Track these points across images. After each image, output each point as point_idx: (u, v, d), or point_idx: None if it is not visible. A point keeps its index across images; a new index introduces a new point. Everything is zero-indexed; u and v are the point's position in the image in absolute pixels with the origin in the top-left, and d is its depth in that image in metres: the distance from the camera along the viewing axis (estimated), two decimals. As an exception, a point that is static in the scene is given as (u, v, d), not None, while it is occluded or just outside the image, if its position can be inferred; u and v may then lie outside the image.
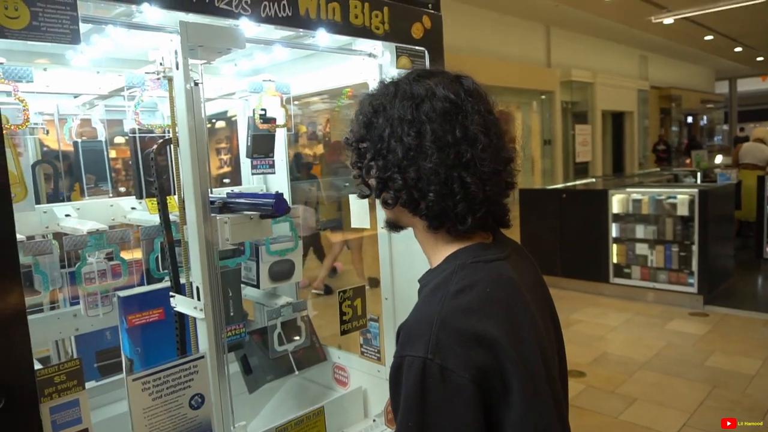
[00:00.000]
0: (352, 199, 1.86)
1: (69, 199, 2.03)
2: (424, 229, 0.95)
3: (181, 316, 1.51)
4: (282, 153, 2.13)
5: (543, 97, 12.63)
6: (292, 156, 7.98)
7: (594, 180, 9.61)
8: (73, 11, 1.10)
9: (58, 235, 1.66)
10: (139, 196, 1.80)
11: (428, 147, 0.87)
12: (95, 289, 1.59)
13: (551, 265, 6.18)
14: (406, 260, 1.90)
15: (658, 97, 17.27)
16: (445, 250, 0.94)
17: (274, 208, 1.46)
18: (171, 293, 1.50)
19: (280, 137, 2.09)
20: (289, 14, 1.43)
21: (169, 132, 1.58)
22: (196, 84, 1.36)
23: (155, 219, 1.67)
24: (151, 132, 1.73)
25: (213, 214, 1.42)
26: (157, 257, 1.70)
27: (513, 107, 12.39)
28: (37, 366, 1.16)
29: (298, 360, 1.97)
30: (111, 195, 1.96)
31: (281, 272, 1.95)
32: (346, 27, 1.57)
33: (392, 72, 1.76)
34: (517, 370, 0.80)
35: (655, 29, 12.51)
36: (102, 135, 1.90)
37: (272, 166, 2.02)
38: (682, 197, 5.49)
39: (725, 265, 6.00)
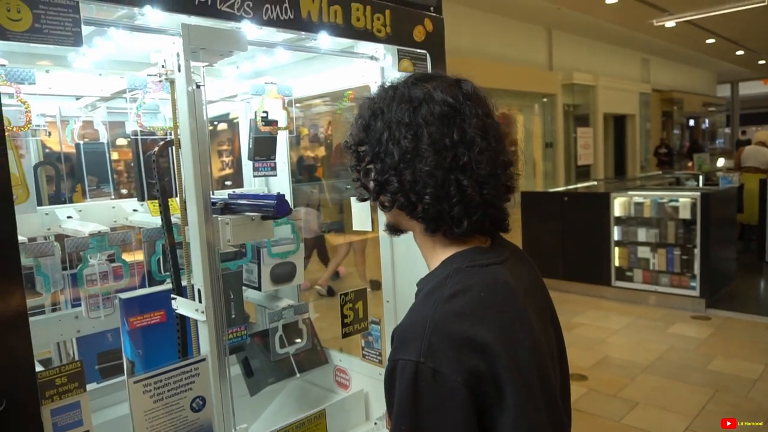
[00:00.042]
0: (354, 202, 1.86)
1: (71, 201, 2.03)
2: (421, 232, 0.95)
3: (183, 319, 1.51)
4: (284, 155, 2.13)
5: (545, 99, 12.62)
6: (296, 159, 8.01)
7: (596, 183, 9.61)
8: (75, 14, 1.11)
9: (60, 237, 1.66)
10: (141, 198, 1.80)
11: (425, 150, 0.87)
12: (97, 290, 1.59)
13: (553, 268, 6.17)
14: (408, 263, 1.90)
15: (659, 100, 17.26)
16: (442, 254, 0.95)
17: (276, 209, 1.46)
18: (172, 295, 1.50)
19: (282, 140, 2.09)
20: (291, 17, 1.44)
21: (170, 134, 1.59)
22: (198, 86, 1.37)
23: (157, 221, 1.67)
24: (153, 134, 1.73)
25: (214, 215, 1.42)
26: (159, 259, 1.70)
27: (515, 110, 12.39)
28: (39, 368, 1.16)
29: (300, 362, 1.97)
30: (113, 197, 1.96)
31: (283, 275, 1.95)
32: (347, 30, 1.57)
33: (394, 75, 1.76)
34: (510, 375, 0.80)
35: (656, 32, 12.51)
36: (104, 137, 1.90)
37: (274, 168, 2.02)
38: (684, 200, 5.48)
39: (727, 268, 5.99)
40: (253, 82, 1.91)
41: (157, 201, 1.62)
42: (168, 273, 1.66)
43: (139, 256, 1.71)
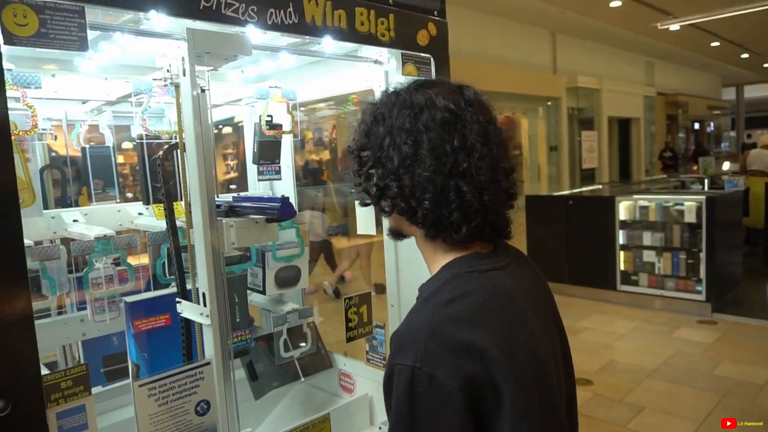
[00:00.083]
0: (357, 206, 1.86)
1: (77, 204, 2.04)
2: (422, 237, 0.95)
3: (188, 322, 1.51)
4: (288, 159, 2.13)
5: (549, 103, 12.62)
6: (303, 162, 8.05)
7: (600, 186, 9.58)
8: (81, 18, 1.11)
9: (66, 241, 1.67)
10: (146, 202, 1.81)
11: (425, 155, 0.88)
12: (102, 294, 1.59)
13: (558, 272, 6.15)
14: (412, 267, 1.90)
15: (664, 104, 17.23)
16: (442, 259, 0.95)
17: (280, 211, 1.46)
18: (177, 299, 1.50)
19: (287, 143, 2.09)
20: (296, 21, 1.44)
21: (175, 138, 1.59)
22: (203, 90, 1.37)
23: (162, 225, 1.68)
24: (158, 138, 1.74)
25: (219, 218, 1.42)
26: (164, 263, 1.71)
27: (519, 113, 12.39)
28: (44, 371, 1.17)
29: (304, 366, 1.97)
30: (118, 200, 1.97)
31: (287, 278, 1.95)
32: (351, 34, 1.57)
33: (398, 79, 1.76)
34: (509, 380, 0.80)
35: (661, 36, 12.50)
36: (109, 141, 1.91)
37: (278, 172, 2.02)
38: (689, 204, 5.46)
39: (733, 272, 5.96)
40: (258, 86, 1.92)
41: (162, 204, 1.63)
42: (173, 276, 1.66)
43: (144, 259, 1.71)
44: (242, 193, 2.20)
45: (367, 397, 1.98)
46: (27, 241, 1.45)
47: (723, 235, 5.53)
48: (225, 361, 1.40)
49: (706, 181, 8.01)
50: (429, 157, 0.88)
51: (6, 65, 1.38)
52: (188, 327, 1.51)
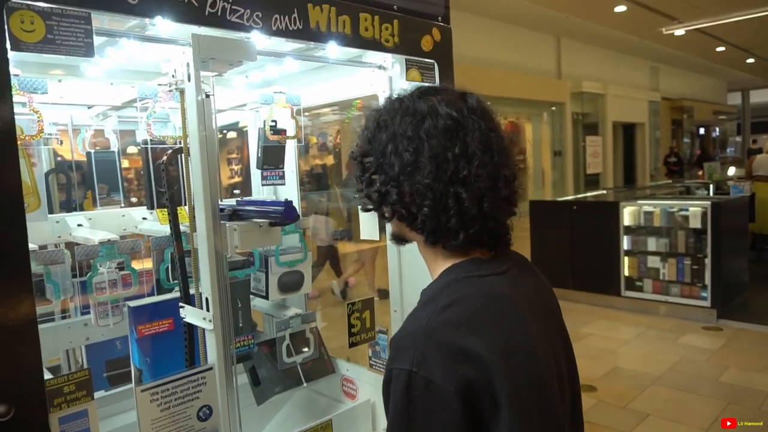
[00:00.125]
0: (361, 211, 1.86)
1: (81, 207, 2.05)
2: (422, 242, 0.96)
3: (191, 327, 1.51)
4: (292, 164, 2.14)
5: (553, 108, 12.61)
6: (309, 167, 8.09)
7: (605, 192, 9.55)
8: (87, 24, 1.12)
9: (70, 245, 1.67)
10: (151, 207, 1.81)
11: (425, 163, 0.89)
12: (106, 298, 1.59)
13: (562, 277, 6.13)
14: (415, 272, 1.89)
15: (669, 109, 17.19)
16: (443, 264, 0.96)
17: (284, 215, 1.46)
18: (181, 304, 1.51)
19: (291, 148, 2.10)
20: (300, 27, 1.45)
21: (180, 143, 1.60)
22: (208, 96, 1.38)
23: (166, 229, 1.68)
24: (163, 143, 1.75)
25: (222, 222, 1.42)
26: (168, 268, 1.71)
27: (523, 118, 12.38)
28: (47, 375, 1.17)
29: (307, 372, 1.96)
30: (123, 205, 1.98)
31: (290, 283, 1.95)
32: (356, 39, 1.58)
33: (402, 84, 1.77)
34: (506, 385, 0.80)
35: (666, 41, 12.49)
36: (115, 145, 1.92)
37: (282, 177, 2.02)
38: (694, 209, 5.44)
39: (739, 278, 5.92)
40: (262, 91, 1.92)
41: (166, 209, 1.63)
42: (176, 281, 1.67)
43: (148, 264, 1.72)
44: (246, 198, 2.21)
45: (370, 403, 1.98)
46: (32, 246, 1.46)
47: (728, 241, 5.50)
48: (227, 366, 1.40)
49: (711, 186, 7.98)
50: (429, 165, 0.88)
51: (13, 70, 1.39)
52: (191, 332, 1.52)
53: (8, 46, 1.02)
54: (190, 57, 1.33)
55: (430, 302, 0.88)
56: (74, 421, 1.18)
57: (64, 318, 1.79)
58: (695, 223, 5.41)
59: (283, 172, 2.02)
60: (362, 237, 1.95)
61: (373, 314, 1.88)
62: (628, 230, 5.87)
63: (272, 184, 2.03)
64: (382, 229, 1.94)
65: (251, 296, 1.96)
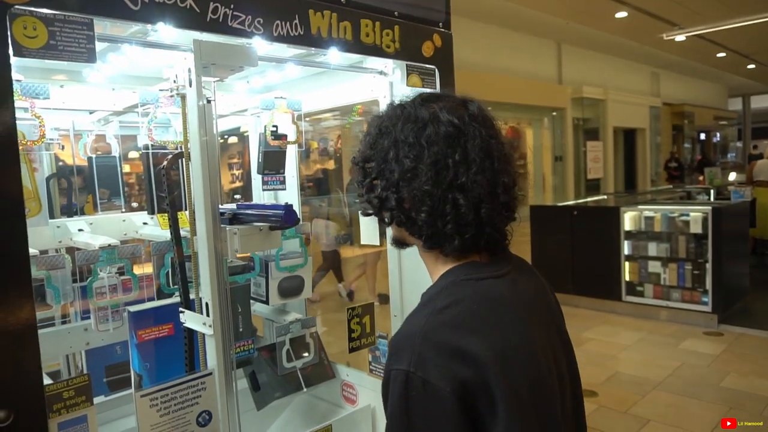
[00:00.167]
0: (361, 216, 1.86)
1: (82, 212, 2.05)
2: (422, 247, 0.97)
3: (191, 332, 1.51)
4: (293, 169, 2.14)
5: (554, 113, 12.63)
6: (311, 172, 8.10)
7: (605, 197, 9.56)
8: (89, 30, 1.13)
9: (71, 250, 1.68)
10: (151, 212, 1.82)
11: (425, 169, 0.90)
12: (106, 303, 1.59)
13: (562, 282, 6.12)
14: (415, 277, 1.89)
15: (670, 114, 17.21)
16: (442, 268, 0.97)
17: (284, 219, 1.46)
18: (181, 309, 1.51)
19: (291, 153, 2.10)
20: (301, 33, 1.45)
21: (181, 147, 1.60)
22: (209, 101, 1.38)
23: (166, 234, 1.68)
24: (164, 148, 1.75)
25: (223, 225, 1.43)
26: (168, 273, 1.71)
27: (524, 124, 12.40)
28: (47, 381, 1.17)
29: (307, 377, 1.96)
30: (123, 210, 1.98)
31: (291, 288, 1.95)
32: (357, 45, 1.58)
33: (403, 89, 1.77)
34: (502, 386, 0.81)
35: (666, 46, 12.51)
36: (116, 150, 1.92)
37: (283, 182, 2.03)
38: (695, 215, 5.44)
39: (740, 283, 5.91)
40: (264, 96, 1.93)
41: (166, 214, 1.64)
42: (176, 286, 1.67)
43: (148, 269, 1.72)
44: (246, 202, 2.21)
45: (370, 408, 1.97)
46: (32, 251, 1.46)
47: (729, 246, 5.49)
48: (227, 372, 1.40)
49: (712, 191, 7.98)
50: (429, 171, 0.89)
51: (16, 76, 1.40)
52: (191, 337, 1.52)
53: (11, 51, 1.03)
54: (191, 62, 1.34)
55: (428, 304, 0.89)
56: (74, 427, 1.18)
57: (64, 323, 1.79)
58: (696, 228, 5.41)
59: (284, 177, 2.03)
60: (363, 242, 1.96)
61: (373, 319, 1.88)
62: (629, 235, 5.86)
63: (273, 189, 2.03)
64: (382, 234, 1.94)
65: (251, 301, 1.96)
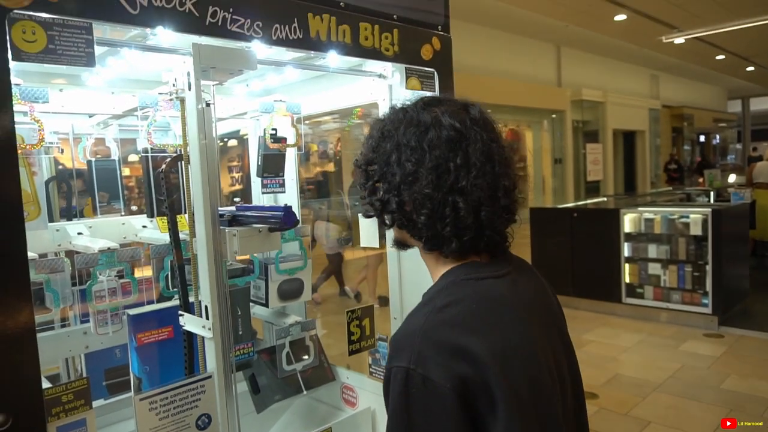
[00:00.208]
0: (361, 219, 1.86)
1: (82, 214, 2.05)
2: (422, 248, 0.99)
3: (190, 335, 1.51)
4: (292, 172, 2.14)
5: (554, 116, 12.64)
6: (312, 174, 8.11)
7: (605, 199, 9.56)
8: (88, 35, 1.13)
9: (70, 253, 1.67)
10: (150, 215, 1.82)
11: (426, 173, 0.91)
12: (105, 307, 1.59)
13: (562, 284, 6.12)
14: (415, 279, 1.89)
15: (669, 116, 17.23)
16: (442, 268, 0.98)
17: (283, 220, 1.46)
18: (180, 312, 1.50)
19: (291, 156, 2.10)
20: (300, 36, 1.45)
21: (180, 151, 1.60)
22: (208, 104, 1.38)
23: (166, 238, 1.69)
24: (164, 151, 1.75)
25: (222, 227, 1.43)
26: (167, 276, 1.71)
27: (524, 126, 12.41)
28: (46, 384, 1.17)
29: (307, 380, 1.96)
30: (123, 213, 1.98)
31: (290, 291, 1.95)
32: (356, 49, 1.59)
33: (402, 92, 1.77)
34: (501, 386, 0.81)
35: (666, 49, 12.53)
36: (115, 154, 1.93)
37: (282, 185, 2.03)
38: (695, 217, 5.44)
39: (740, 285, 5.91)
40: (263, 99, 1.93)
41: (165, 217, 1.64)
42: (176, 289, 1.67)
43: (147, 272, 1.72)
44: (245, 204, 2.21)
45: (370, 411, 1.97)
46: (31, 254, 1.46)
47: (729, 248, 5.49)
48: (227, 375, 1.40)
49: (711, 193, 7.98)
50: (430, 175, 0.90)
51: (15, 80, 1.40)
52: (190, 340, 1.51)
53: (10, 56, 1.03)
54: (190, 66, 1.34)
55: (428, 303, 0.90)
56: (73, 431, 1.18)
57: (63, 326, 1.79)
58: (696, 230, 5.41)
59: (283, 180, 2.03)
60: (362, 244, 1.96)
61: (373, 322, 1.88)
62: (629, 237, 5.86)
63: (272, 191, 2.03)
64: (381, 236, 1.95)
65: (251, 304, 1.96)
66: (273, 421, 2.10)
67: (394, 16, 1.69)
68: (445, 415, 0.80)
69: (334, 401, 2.15)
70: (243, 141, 2.41)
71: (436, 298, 0.90)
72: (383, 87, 1.86)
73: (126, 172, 2.50)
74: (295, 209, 2.16)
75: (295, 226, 1.50)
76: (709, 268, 5.31)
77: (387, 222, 0.98)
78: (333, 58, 1.64)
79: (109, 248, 1.59)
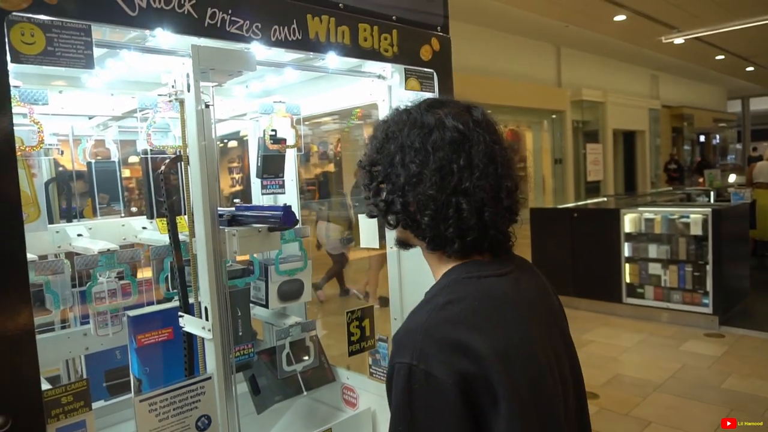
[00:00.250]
0: (362, 220, 1.87)
1: (81, 215, 2.05)
2: (425, 248, 1.00)
3: (190, 336, 1.51)
4: (292, 173, 2.14)
5: (554, 116, 12.64)
6: (312, 176, 8.12)
7: (605, 199, 9.56)
8: (87, 37, 1.13)
9: (70, 255, 1.67)
10: (150, 216, 1.82)
11: (430, 174, 0.92)
12: (105, 308, 1.59)
13: (563, 284, 6.12)
14: (416, 280, 1.89)
15: (669, 116, 17.22)
16: (445, 267, 0.99)
17: (282, 220, 1.47)
18: (180, 313, 1.51)
19: (291, 157, 2.10)
20: (299, 38, 1.46)
21: (179, 152, 1.60)
22: (207, 106, 1.39)
23: (166, 239, 1.69)
24: (163, 152, 1.76)
25: (221, 227, 1.43)
26: (167, 277, 1.71)
27: (524, 126, 12.41)
28: (45, 386, 1.17)
29: (307, 380, 1.96)
30: (123, 215, 1.98)
31: (290, 292, 1.95)
32: (355, 50, 1.59)
33: (401, 93, 1.78)
34: (503, 384, 0.82)
35: (665, 49, 12.52)
36: (115, 155, 1.93)
37: (282, 186, 2.03)
38: (695, 216, 5.44)
39: (741, 285, 5.91)
40: (262, 101, 1.93)
41: (165, 219, 1.64)
42: (176, 290, 1.67)
43: (147, 273, 1.72)
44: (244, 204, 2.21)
45: (370, 411, 1.97)
46: (31, 256, 1.46)
47: (730, 248, 5.49)
48: (226, 376, 1.40)
49: (711, 193, 7.98)
50: (434, 176, 0.92)
51: (14, 82, 1.41)
52: (190, 341, 1.52)
53: (8, 58, 1.03)
54: (189, 68, 1.34)
55: (431, 301, 0.91)
56: (73, 432, 1.18)
57: (63, 328, 1.79)
58: (696, 230, 5.41)
59: (283, 180, 2.03)
60: (362, 245, 1.96)
61: (373, 322, 1.88)
62: (629, 237, 5.86)
63: (272, 192, 2.03)
64: (381, 237, 1.95)
65: (251, 305, 1.96)
66: (273, 422, 2.10)
67: (393, 17, 1.69)
68: (448, 411, 0.81)
69: (334, 402, 2.15)
70: (243, 142, 2.41)
71: (439, 295, 0.91)
72: (383, 88, 1.86)
73: (126, 173, 2.50)
74: (295, 210, 2.16)
75: (294, 225, 1.50)
76: (709, 268, 5.31)
77: (391, 222, 0.99)
78: (332, 59, 1.64)
79: (108, 250, 1.59)
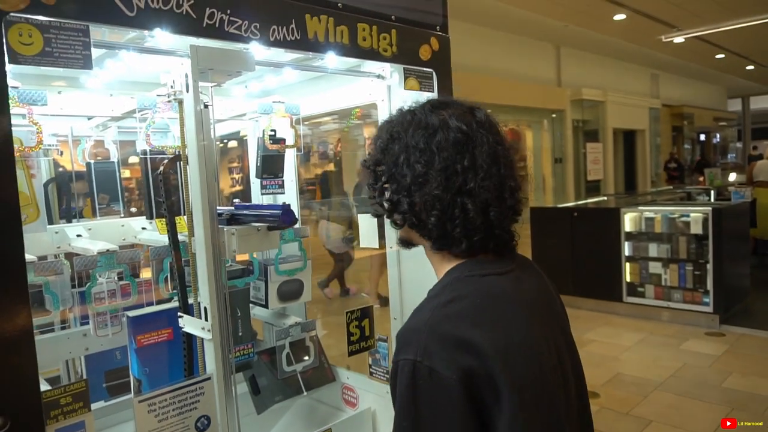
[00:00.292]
0: (361, 219, 1.86)
1: (81, 215, 2.05)
2: (430, 247, 1.00)
3: (189, 337, 1.51)
4: (292, 173, 2.14)
5: (554, 115, 12.63)
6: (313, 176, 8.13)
7: (606, 198, 9.55)
8: (85, 37, 1.13)
9: (70, 255, 1.67)
10: (150, 217, 1.82)
11: (436, 174, 0.93)
12: (105, 309, 1.59)
13: (563, 283, 6.11)
14: (416, 280, 1.89)
15: (669, 115, 17.21)
16: (447, 265, 1.00)
17: (281, 218, 1.47)
18: (179, 313, 1.50)
19: (290, 157, 2.10)
20: (298, 38, 1.46)
21: (178, 152, 1.60)
22: (206, 106, 1.38)
23: (165, 239, 1.69)
24: (163, 153, 1.75)
25: (220, 226, 1.43)
26: (167, 277, 1.71)
27: (524, 126, 12.40)
28: (45, 387, 1.17)
29: (307, 380, 1.96)
30: (122, 215, 1.98)
31: (290, 292, 1.95)
32: (354, 49, 1.59)
33: (400, 93, 1.77)
34: (505, 379, 0.83)
35: (665, 48, 12.52)
36: (114, 156, 1.93)
37: (282, 186, 2.03)
38: (695, 215, 5.43)
39: (741, 284, 5.90)
40: (261, 101, 1.93)
41: (164, 219, 1.64)
42: (175, 291, 1.67)
43: (146, 274, 1.72)
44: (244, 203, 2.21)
45: (370, 411, 1.97)
46: (30, 257, 1.46)
47: (730, 247, 5.49)
48: (226, 376, 1.40)
49: (712, 192, 7.98)
50: (439, 176, 0.93)
51: (13, 83, 1.40)
52: (190, 342, 1.51)
53: (6, 59, 1.03)
54: (188, 68, 1.34)
55: (433, 299, 0.93)
56: (72, 433, 1.18)
57: (63, 328, 1.79)
58: (696, 229, 5.40)
59: (283, 180, 2.03)
60: (362, 245, 1.96)
61: (373, 322, 1.88)
62: (630, 236, 5.86)
63: (272, 192, 2.03)
64: (381, 237, 1.95)
65: (251, 305, 1.96)
66: (273, 422, 2.10)
67: (392, 17, 1.69)
68: (451, 407, 0.82)
69: (334, 402, 2.15)
70: (243, 142, 2.41)
71: (441, 293, 0.92)
72: (382, 87, 1.86)
73: (126, 174, 2.50)
74: (295, 210, 2.16)
75: (293, 224, 1.50)
76: (710, 266, 5.31)
77: (398, 222, 1.00)
78: (331, 59, 1.64)
79: (108, 250, 1.59)
